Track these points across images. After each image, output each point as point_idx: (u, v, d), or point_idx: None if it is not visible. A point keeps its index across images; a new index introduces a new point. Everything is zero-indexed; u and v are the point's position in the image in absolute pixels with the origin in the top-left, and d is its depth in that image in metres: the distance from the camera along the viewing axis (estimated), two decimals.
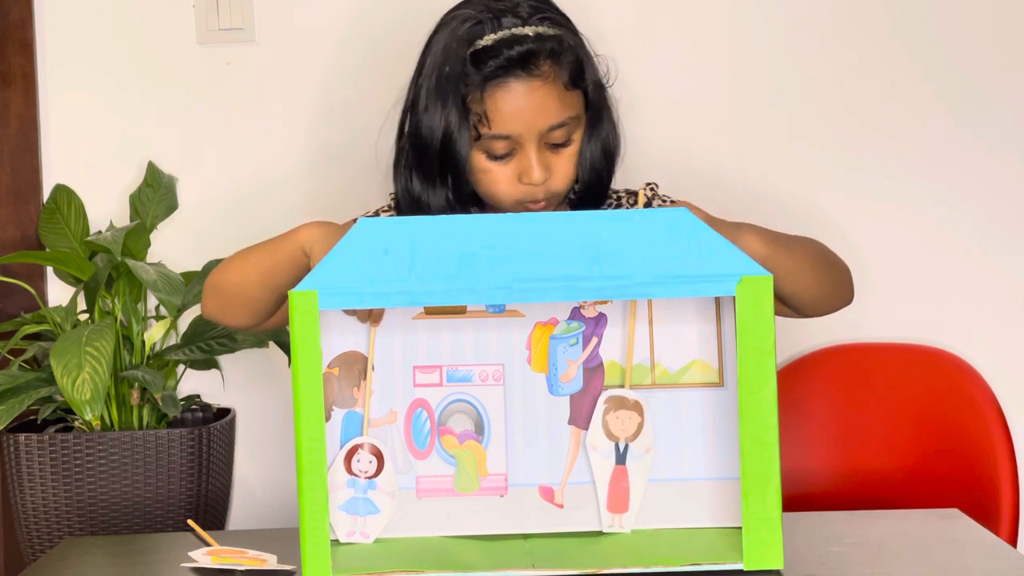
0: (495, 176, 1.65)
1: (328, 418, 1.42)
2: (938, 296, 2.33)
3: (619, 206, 1.77)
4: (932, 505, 1.83)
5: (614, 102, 1.72)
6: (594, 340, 1.43)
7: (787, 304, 1.64)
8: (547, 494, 1.43)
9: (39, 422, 2.19)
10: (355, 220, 1.77)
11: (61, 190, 2.32)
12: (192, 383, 2.35)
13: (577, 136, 1.66)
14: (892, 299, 2.33)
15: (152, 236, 2.30)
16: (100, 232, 2.29)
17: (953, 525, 1.56)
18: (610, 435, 1.42)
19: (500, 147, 1.64)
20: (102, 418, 2.15)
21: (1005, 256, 2.33)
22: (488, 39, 1.62)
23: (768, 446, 1.32)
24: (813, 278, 1.63)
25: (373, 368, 1.43)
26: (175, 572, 1.46)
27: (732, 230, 1.52)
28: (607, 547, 1.39)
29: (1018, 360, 2.33)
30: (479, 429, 1.44)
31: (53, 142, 2.36)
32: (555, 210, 1.70)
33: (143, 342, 2.22)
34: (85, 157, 2.36)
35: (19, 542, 2.19)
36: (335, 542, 1.42)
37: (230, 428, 2.26)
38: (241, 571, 1.42)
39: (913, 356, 2.19)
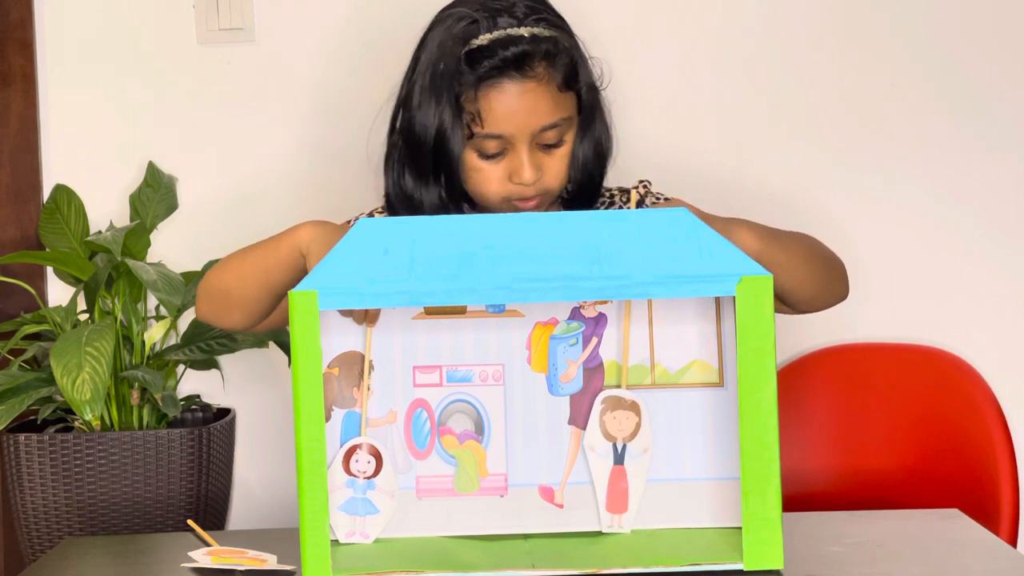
0: (486, 175, 1.65)
1: (328, 418, 1.42)
2: (938, 296, 2.33)
3: (612, 204, 1.78)
4: (932, 505, 1.84)
5: (607, 104, 1.72)
6: (594, 340, 1.43)
7: (782, 300, 1.64)
8: (547, 494, 1.43)
9: (39, 422, 2.19)
10: (349, 221, 1.78)
11: (61, 190, 2.32)
12: (192, 383, 2.35)
13: (569, 137, 1.67)
14: (892, 299, 2.33)
15: (152, 236, 2.30)
16: (100, 232, 2.29)
17: (953, 525, 1.56)
18: (607, 435, 1.42)
19: (492, 146, 1.64)
20: (102, 418, 2.15)
21: (1005, 256, 2.33)
22: (483, 38, 1.62)
23: (768, 446, 1.32)
24: (807, 273, 1.63)
25: (372, 368, 1.43)
26: (175, 572, 1.46)
27: (725, 225, 1.52)
28: (607, 547, 1.39)
29: (1018, 360, 2.33)
30: (479, 429, 1.44)
31: (53, 142, 2.36)
32: (548, 210, 1.70)
33: (143, 342, 2.23)
34: (85, 157, 2.36)
35: (19, 542, 2.19)
36: (335, 542, 1.42)
37: (230, 428, 2.26)
38: (241, 571, 1.42)
39: (913, 356, 2.19)
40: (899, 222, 2.33)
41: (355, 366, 1.44)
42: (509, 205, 1.67)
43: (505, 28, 1.62)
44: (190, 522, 1.66)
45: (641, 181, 1.78)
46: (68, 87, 2.36)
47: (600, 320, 1.43)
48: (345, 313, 1.43)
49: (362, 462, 1.42)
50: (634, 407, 1.42)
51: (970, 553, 1.46)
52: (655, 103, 2.31)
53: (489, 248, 1.35)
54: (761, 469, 1.32)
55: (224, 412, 2.30)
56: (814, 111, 2.32)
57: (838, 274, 1.70)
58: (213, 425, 2.18)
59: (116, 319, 2.18)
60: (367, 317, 1.42)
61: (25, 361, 2.20)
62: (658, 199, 1.76)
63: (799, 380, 2.23)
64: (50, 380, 2.12)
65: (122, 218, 2.33)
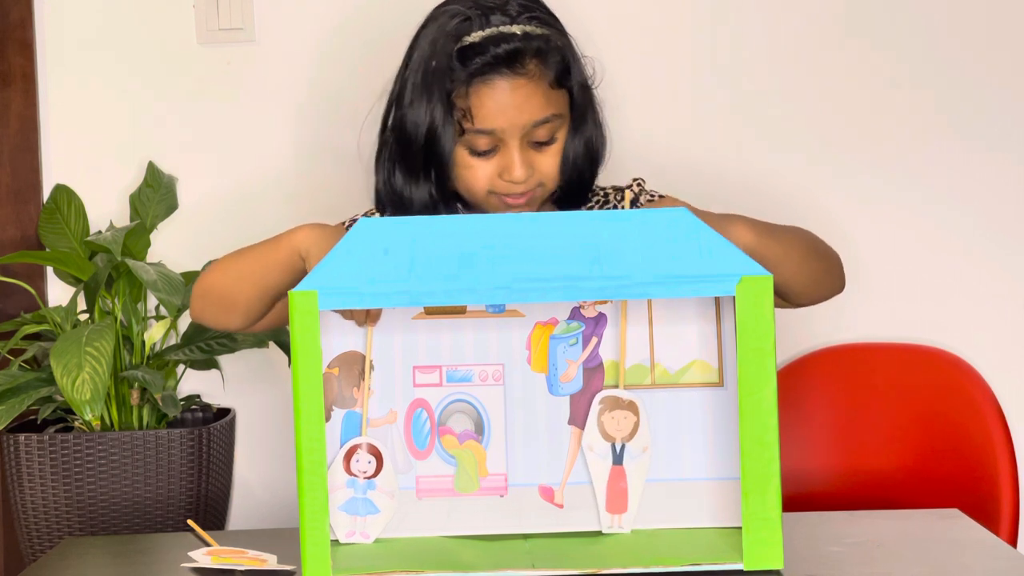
0: (476, 172, 1.66)
1: (328, 418, 1.42)
2: (938, 296, 2.33)
3: (606, 203, 1.78)
4: (932, 505, 1.84)
5: (600, 103, 1.73)
6: (594, 340, 1.43)
7: (778, 293, 1.64)
8: (547, 494, 1.43)
9: (39, 422, 2.19)
10: (343, 223, 1.78)
11: (61, 190, 2.32)
12: (192, 383, 2.35)
13: (561, 135, 1.67)
14: (892, 299, 2.33)
15: (152, 236, 2.30)
16: (100, 232, 2.29)
17: (953, 525, 1.56)
18: (606, 436, 1.42)
19: (483, 143, 1.64)
20: (102, 418, 2.15)
21: (1005, 256, 2.33)
22: (475, 36, 1.62)
23: (768, 446, 1.32)
24: (803, 265, 1.63)
25: (372, 368, 1.43)
26: (175, 572, 1.46)
27: (720, 221, 1.52)
28: (607, 547, 1.39)
29: (1018, 360, 2.33)
30: (479, 429, 1.44)
31: (53, 142, 2.36)
32: (540, 210, 1.71)
33: (143, 342, 2.22)
34: (85, 157, 2.36)
35: (19, 542, 2.19)
36: (335, 542, 1.42)
37: (230, 428, 2.26)
38: (241, 571, 1.42)
39: (913, 356, 2.18)
40: (899, 222, 2.33)
41: (355, 366, 1.44)
42: (497, 200, 1.67)
43: (498, 25, 1.63)
44: (190, 522, 1.66)
45: (635, 179, 1.78)
46: (68, 87, 2.36)
47: (600, 320, 1.43)
48: (347, 316, 1.43)
49: (363, 462, 1.42)
50: (632, 407, 1.42)
51: (970, 553, 1.46)
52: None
53: (489, 248, 1.35)
54: (761, 469, 1.32)
55: (224, 412, 2.30)
56: (813, 111, 2.32)
57: (834, 267, 1.71)
58: (213, 425, 2.18)
59: (116, 319, 2.18)
60: (368, 317, 1.42)
61: (25, 361, 2.20)
62: (652, 197, 1.77)
63: (799, 380, 2.23)
64: (50, 380, 2.12)
65: (122, 218, 2.33)
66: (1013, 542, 1.89)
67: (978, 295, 2.33)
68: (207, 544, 1.53)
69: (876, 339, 2.30)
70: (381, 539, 1.42)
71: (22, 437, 2.12)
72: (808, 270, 1.64)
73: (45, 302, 2.34)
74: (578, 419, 1.43)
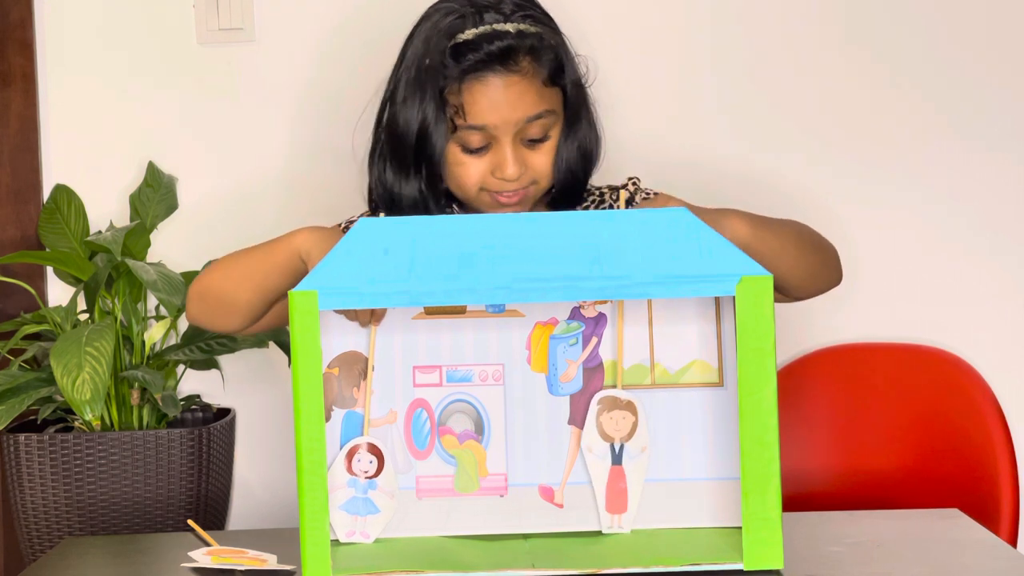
0: (468, 170, 1.66)
1: (328, 418, 1.42)
2: (938, 296, 2.33)
3: (601, 202, 1.78)
4: (932, 505, 1.84)
5: (593, 102, 1.73)
6: (594, 340, 1.43)
7: (776, 287, 1.64)
8: (547, 494, 1.43)
9: (39, 422, 2.19)
10: (340, 224, 1.78)
11: (61, 190, 2.32)
12: (192, 383, 2.35)
13: (555, 133, 1.67)
14: (892, 299, 2.33)
15: (152, 236, 2.30)
16: (100, 232, 2.29)
17: (953, 525, 1.56)
18: (604, 436, 1.42)
19: (475, 140, 1.65)
20: (102, 418, 2.15)
21: (1005, 256, 2.33)
22: (469, 33, 1.63)
23: (768, 446, 1.32)
24: (799, 258, 1.63)
25: (373, 368, 1.43)
26: (175, 572, 1.46)
27: (716, 216, 1.52)
28: (607, 547, 1.39)
29: (1018, 360, 2.33)
30: (479, 429, 1.44)
31: (53, 142, 2.36)
32: (534, 209, 1.71)
33: (143, 342, 2.22)
34: (85, 157, 2.36)
35: (19, 542, 2.19)
36: (335, 542, 1.42)
37: (230, 428, 2.26)
38: (241, 571, 1.42)
39: (913, 356, 2.18)
40: (899, 222, 2.33)
41: (355, 366, 1.44)
42: (489, 197, 1.67)
43: (491, 23, 1.64)
44: (190, 522, 1.66)
45: (630, 178, 1.78)
46: (68, 87, 2.36)
47: (600, 320, 1.43)
48: (351, 317, 1.43)
49: (364, 462, 1.42)
50: (630, 407, 1.42)
51: (970, 553, 1.46)
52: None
53: (489, 248, 1.35)
54: (761, 469, 1.32)
55: (224, 412, 2.30)
56: (813, 111, 2.32)
57: (830, 259, 1.71)
58: (213, 425, 2.18)
59: (116, 319, 2.18)
60: (373, 316, 1.42)
61: (25, 361, 2.20)
62: (648, 195, 1.77)
63: (799, 380, 2.23)
64: (50, 380, 2.12)
65: (122, 218, 2.33)
66: (1013, 542, 1.89)
67: (978, 295, 2.33)
68: (207, 544, 1.53)
69: (876, 339, 2.30)
70: (381, 539, 1.42)
71: (22, 437, 2.12)
72: (805, 263, 1.65)
73: (45, 302, 2.34)
74: (578, 419, 1.43)
